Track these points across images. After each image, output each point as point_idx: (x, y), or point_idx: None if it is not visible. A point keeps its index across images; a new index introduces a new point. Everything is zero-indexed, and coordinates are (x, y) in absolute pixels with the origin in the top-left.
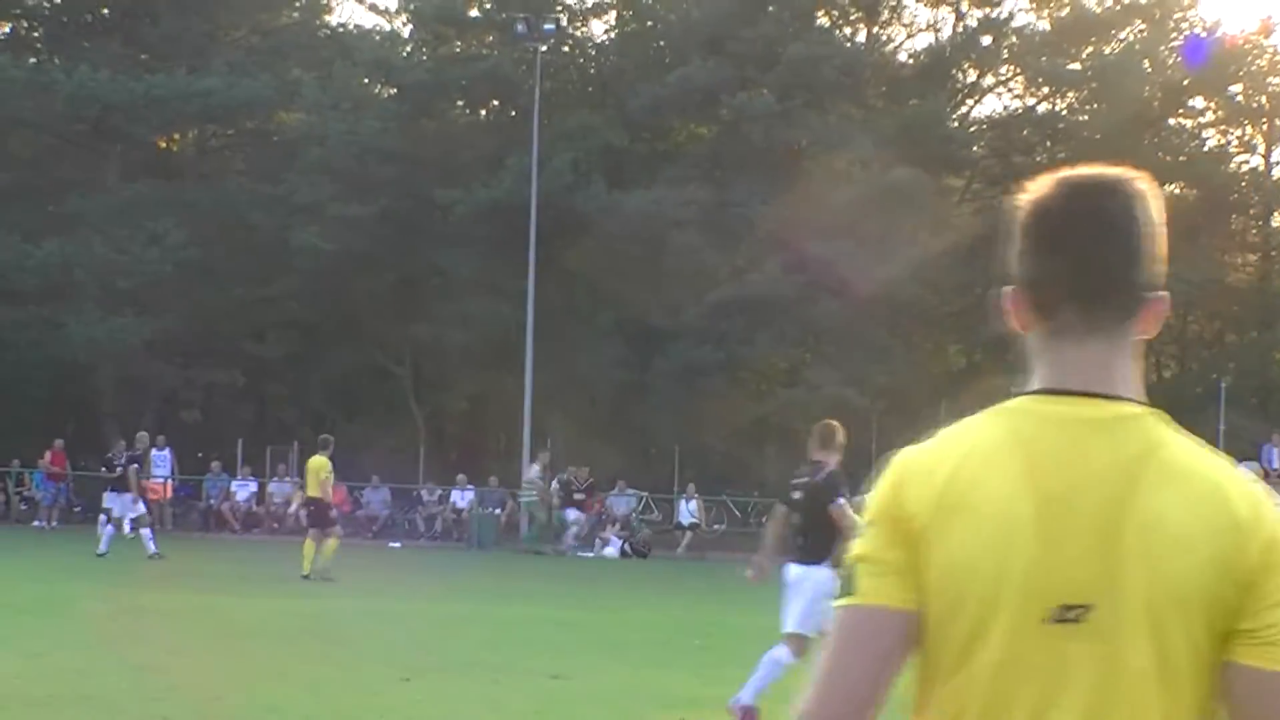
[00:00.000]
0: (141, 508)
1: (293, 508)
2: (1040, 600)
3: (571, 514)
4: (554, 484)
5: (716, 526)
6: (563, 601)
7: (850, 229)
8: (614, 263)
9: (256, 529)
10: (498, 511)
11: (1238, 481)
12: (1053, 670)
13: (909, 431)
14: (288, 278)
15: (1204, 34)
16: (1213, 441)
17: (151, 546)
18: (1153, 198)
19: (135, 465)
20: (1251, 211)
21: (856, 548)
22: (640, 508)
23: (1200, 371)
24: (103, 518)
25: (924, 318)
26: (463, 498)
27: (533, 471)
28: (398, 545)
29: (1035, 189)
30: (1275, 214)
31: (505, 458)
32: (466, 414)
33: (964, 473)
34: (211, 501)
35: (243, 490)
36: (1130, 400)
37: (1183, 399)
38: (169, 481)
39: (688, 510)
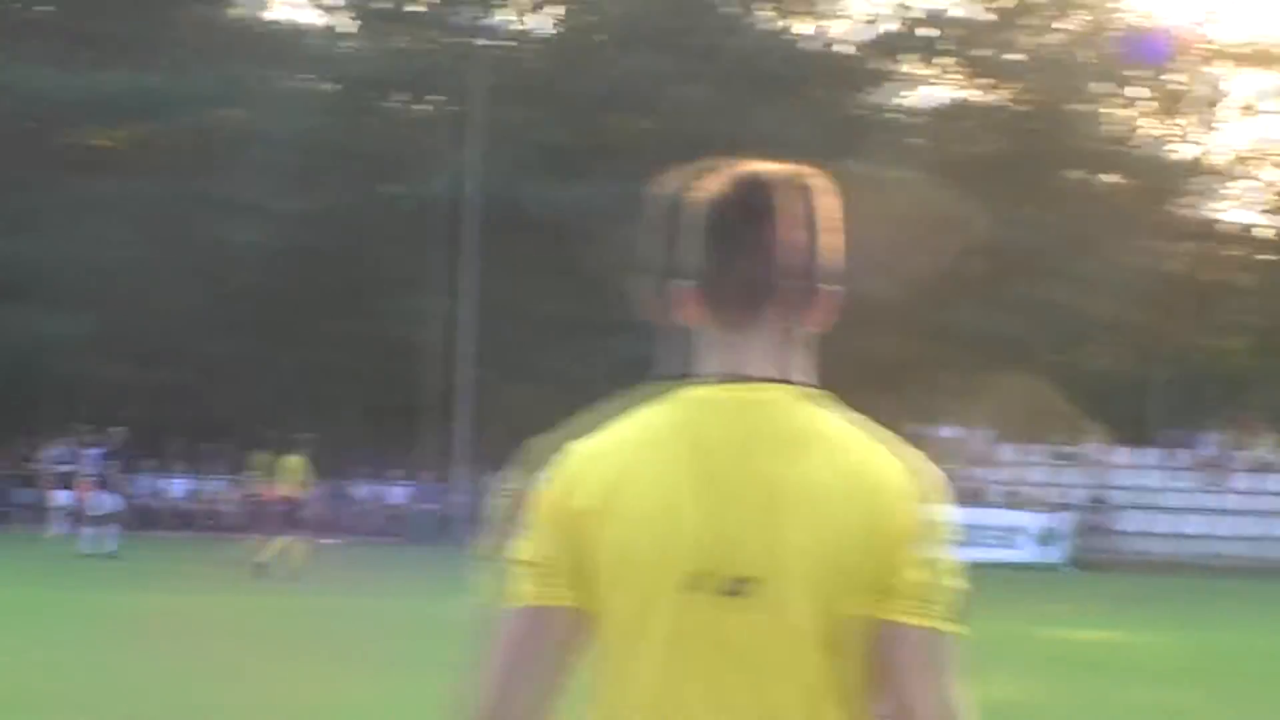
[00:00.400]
0: (118, 504)
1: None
2: (704, 578)
3: None
4: None
5: None
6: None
7: None
8: (556, 257)
9: (190, 526)
10: (434, 507)
11: (887, 454)
12: (720, 644)
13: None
14: (231, 275)
15: (1155, 30)
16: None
17: (113, 545)
18: (824, 193)
19: (114, 462)
20: (1186, 200)
21: (517, 549)
22: None
23: (1135, 359)
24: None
25: (864, 307)
26: (399, 493)
27: None
28: (334, 541)
29: (705, 184)
30: (1209, 202)
31: (443, 453)
32: (406, 409)
33: (628, 458)
34: (148, 499)
35: (179, 487)
36: (791, 384)
37: (1119, 386)
38: (105, 482)
39: None
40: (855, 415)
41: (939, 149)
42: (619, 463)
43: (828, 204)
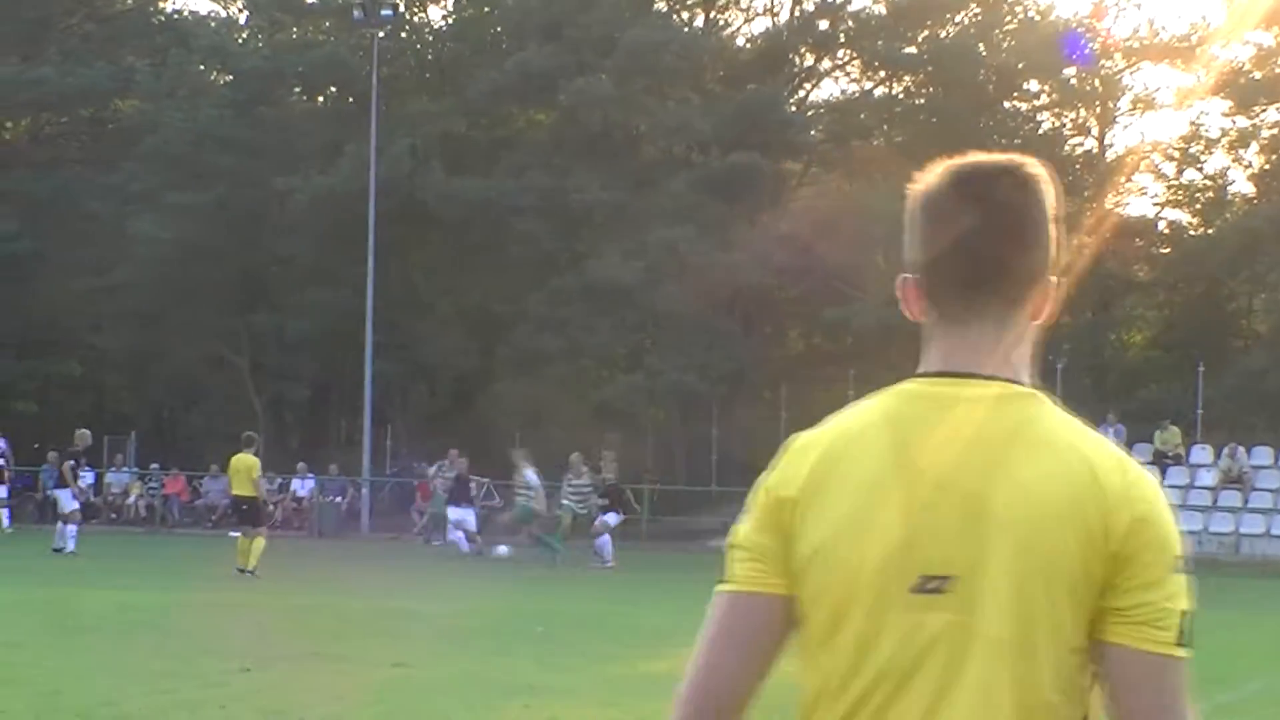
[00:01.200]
0: (76, 504)
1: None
2: (902, 572)
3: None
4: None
5: (558, 513)
6: (405, 591)
7: (689, 213)
8: (454, 250)
9: (95, 519)
10: (339, 500)
11: (1110, 456)
12: (913, 641)
13: (750, 416)
14: (125, 267)
15: (1078, 30)
16: None
17: (71, 544)
18: (1044, 183)
19: (72, 463)
20: (1085, 193)
21: (733, 533)
22: (482, 494)
23: (1036, 352)
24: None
25: (763, 302)
26: (304, 486)
27: (529, 475)
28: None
29: (925, 177)
30: (1108, 196)
31: (346, 446)
32: (307, 402)
33: (833, 452)
34: (49, 493)
35: (80, 481)
36: (1011, 381)
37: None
38: (4, 472)
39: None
40: (1071, 416)
41: (837, 143)
42: (826, 454)
43: (1047, 193)
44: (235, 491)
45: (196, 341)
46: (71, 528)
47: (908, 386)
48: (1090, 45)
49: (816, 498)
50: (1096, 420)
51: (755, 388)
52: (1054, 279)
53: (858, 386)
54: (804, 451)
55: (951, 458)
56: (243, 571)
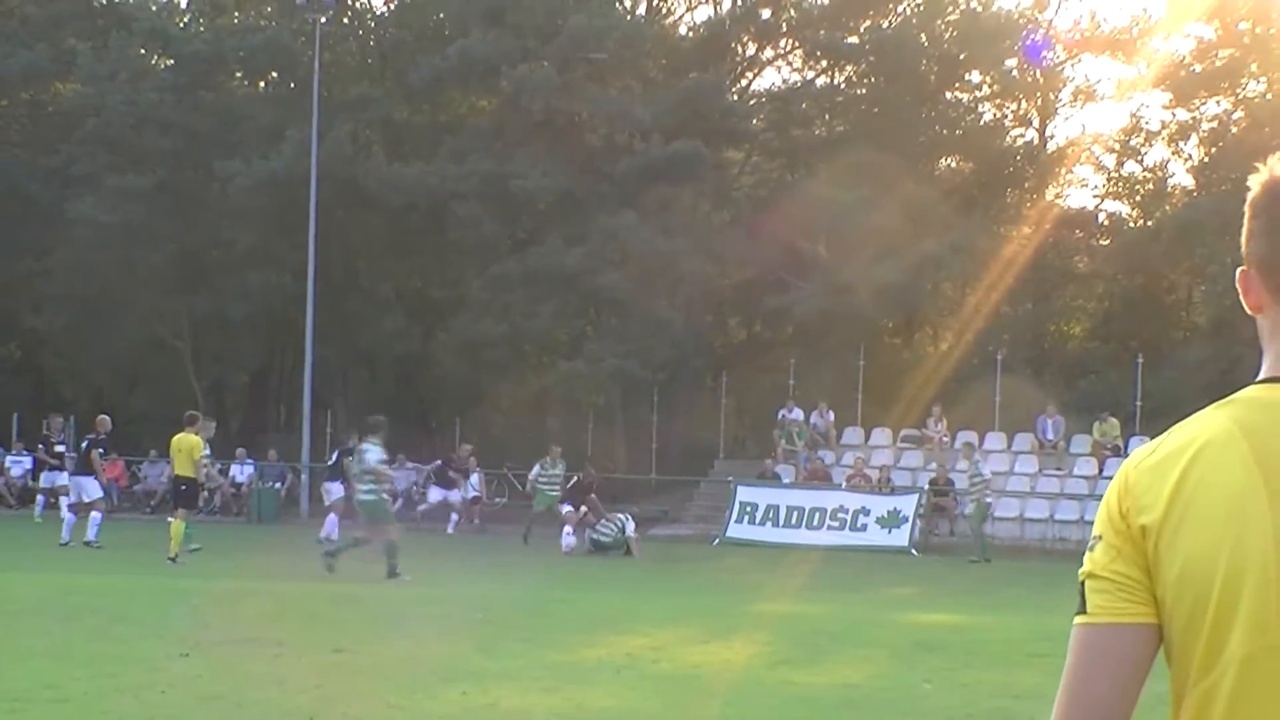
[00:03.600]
0: (100, 491)
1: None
2: (1274, 599)
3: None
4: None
5: (498, 499)
6: (343, 576)
7: (631, 201)
8: (395, 235)
9: (32, 504)
10: (278, 485)
11: None
12: None
13: (688, 404)
14: (65, 249)
15: (1034, 29)
16: (989, 412)
17: (94, 533)
18: None
19: (100, 450)
20: (1026, 185)
21: (1086, 564)
22: (424, 481)
23: (976, 343)
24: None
25: (705, 289)
26: (242, 472)
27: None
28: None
29: (1270, 167)
30: (1049, 187)
31: (286, 431)
32: (247, 386)
33: (1190, 474)
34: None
35: (17, 466)
36: None
37: (959, 370)
38: None
39: (469, 483)
40: None
41: (778, 132)
42: (1184, 474)
43: None
44: (177, 471)
45: (137, 324)
46: (97, 515)
47: (1254, 394)
48: (1049, 49)
49: (1180, 520)
50: (1035, 412)
51: (696, 375)
52: None
53: (798, 375)
54: (1157, 472)
55: None
56: (173, 561)
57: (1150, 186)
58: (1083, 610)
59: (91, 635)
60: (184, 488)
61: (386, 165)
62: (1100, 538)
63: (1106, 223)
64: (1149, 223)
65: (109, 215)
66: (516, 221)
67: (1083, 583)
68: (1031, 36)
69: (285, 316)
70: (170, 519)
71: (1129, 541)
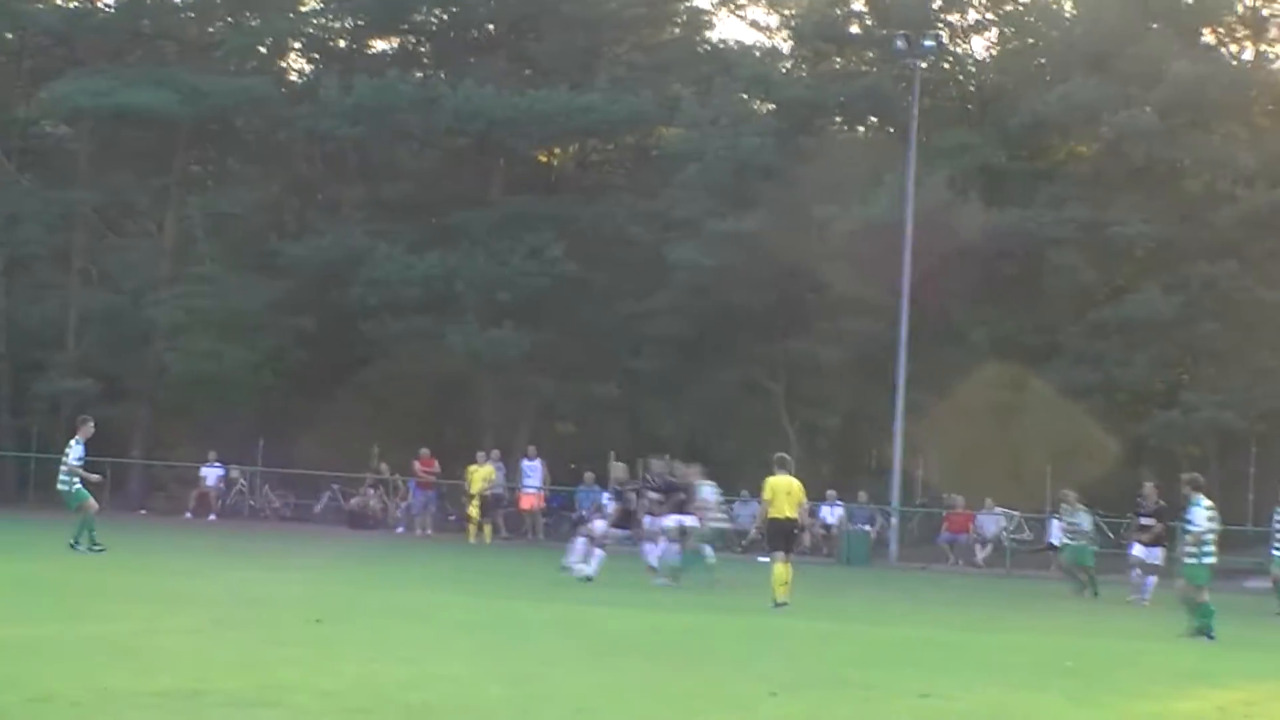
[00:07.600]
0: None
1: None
2: None
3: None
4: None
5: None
6: (932, 620)
7: (1233, 249)
8: (990, 281)
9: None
10: (867, 528)
11: None
12: None
13: None
14: (664, 292)
15: None
16: None
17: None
18: None
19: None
20: None
21: None
22: (1012, 527)
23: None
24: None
25: None
26: (832, 513)
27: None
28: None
29: None
30: None
31: (876, 474)
32: (838, 430)
33: None
34: (583, 512)
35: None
36: None
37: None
38: (541, 492)
39: (1058, 531)
40: None
41: None
42: None
43: None
44: (779, 514)
45: (732, 367)
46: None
47: None
48: None
49: None
50: None
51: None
52: None
53: None
54: None
55: None
56: (779, 605)
57: None
58: None
59: (679, 672)
60: (796, 531)
61: (983, 211)
62: None
63: None
64: None
65: (709, 259)
66: (1113, 269)
67: None
68: None
69: (877, 360)
70: (762, 560)
71: None
